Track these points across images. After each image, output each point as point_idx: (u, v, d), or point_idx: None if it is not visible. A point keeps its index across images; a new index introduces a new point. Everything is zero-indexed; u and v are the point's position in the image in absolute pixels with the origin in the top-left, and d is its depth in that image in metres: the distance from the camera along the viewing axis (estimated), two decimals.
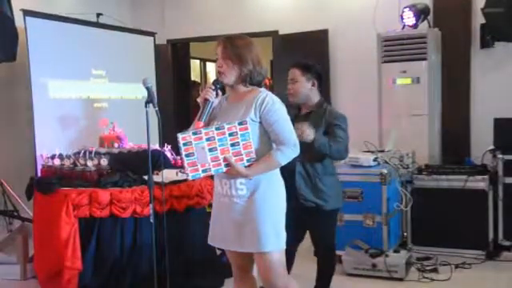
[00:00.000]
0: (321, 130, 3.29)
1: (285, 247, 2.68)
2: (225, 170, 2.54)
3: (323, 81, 3.48)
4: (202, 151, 2.49)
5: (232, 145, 2.51)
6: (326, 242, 3.49)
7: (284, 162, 2.62)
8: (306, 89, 3.39)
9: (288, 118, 2.66)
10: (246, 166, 2.55)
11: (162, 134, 2.93)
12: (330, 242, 3.50)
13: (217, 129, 2.51)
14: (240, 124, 2.51)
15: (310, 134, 3.13)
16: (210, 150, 2.50)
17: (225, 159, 2.51)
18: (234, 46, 2.63)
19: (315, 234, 3.48)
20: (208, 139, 2.49)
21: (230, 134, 2.51)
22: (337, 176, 3.56)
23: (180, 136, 2.47)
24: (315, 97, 3.43)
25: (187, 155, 2.48)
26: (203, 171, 2.52)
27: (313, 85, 3.40)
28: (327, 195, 3.34)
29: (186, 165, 2.49)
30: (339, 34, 6.44)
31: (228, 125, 2.51)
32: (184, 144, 2.47)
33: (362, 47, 6.15)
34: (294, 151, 2.62)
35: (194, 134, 2.48)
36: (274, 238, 2.61)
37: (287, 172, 2.89)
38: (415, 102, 5.55)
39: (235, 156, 2.52)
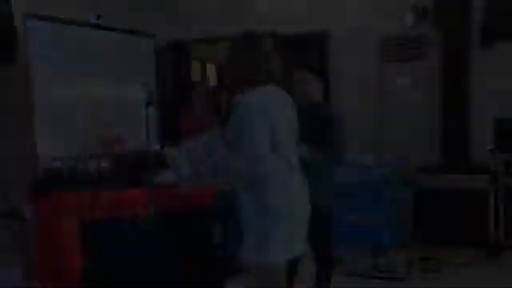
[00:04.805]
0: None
1: (275, 260, 2.45)
2: None
3: None
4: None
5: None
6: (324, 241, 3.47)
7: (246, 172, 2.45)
8: None
9: (256, 126, 2.41)
10: None
11: (162, 135, 2.94)
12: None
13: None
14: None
15: None
16: None
17: None
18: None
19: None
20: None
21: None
22: None
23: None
24: None
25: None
26: None
27: None
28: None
29: None
30: (339, 34, 6.44)
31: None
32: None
33: (362, 47, 6.15)
34: (252, 161, 2.42)
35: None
36: (256, 250, 2.45)
37: None
38: (415, 101, 5.55)
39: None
